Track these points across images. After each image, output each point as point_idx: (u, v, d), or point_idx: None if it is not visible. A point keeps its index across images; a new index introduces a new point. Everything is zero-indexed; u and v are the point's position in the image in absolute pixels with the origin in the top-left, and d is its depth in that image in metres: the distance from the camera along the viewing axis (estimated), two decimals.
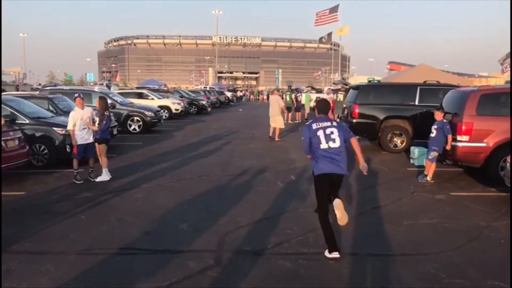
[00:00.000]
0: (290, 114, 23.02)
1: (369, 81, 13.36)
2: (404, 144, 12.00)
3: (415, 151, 10.28)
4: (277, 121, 15.01)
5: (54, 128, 9.94)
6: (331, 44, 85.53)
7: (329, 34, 59.10)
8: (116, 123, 13.24)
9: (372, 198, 7.19)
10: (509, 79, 26.30)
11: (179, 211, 6.38)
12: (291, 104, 23.21)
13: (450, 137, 8.29)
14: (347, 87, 22.25)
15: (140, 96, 23.47)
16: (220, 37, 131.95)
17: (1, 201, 6.43)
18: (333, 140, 4.84)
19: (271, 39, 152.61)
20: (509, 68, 34.69)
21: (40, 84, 45.96)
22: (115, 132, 12.78)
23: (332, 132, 4.87)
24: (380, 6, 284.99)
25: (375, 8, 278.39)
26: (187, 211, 6.38)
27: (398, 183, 8.45)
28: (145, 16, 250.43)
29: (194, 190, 7.71)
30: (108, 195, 7.36)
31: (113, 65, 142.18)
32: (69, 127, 8.43)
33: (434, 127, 8.60)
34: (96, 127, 8.38)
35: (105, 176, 8.52)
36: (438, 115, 8.57)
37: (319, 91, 36.09)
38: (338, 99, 22.45)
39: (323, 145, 4.84)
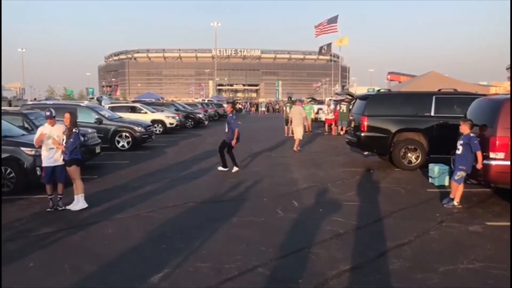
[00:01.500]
0: (291, 127, 21.76)
1: (378, 90, 12.15)
2: (419, 160, 10.73)
3: (435, 169, 9.00)
4: (297, 132, 15.29)
5: (22, 148, 8.64)
6: (330, 55, 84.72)
7: (329, 45, 58.36)
8: (99, 140, 11.97)
9: (392, 231, 5.88)
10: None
11: (152, 255, 5.08)
12: None
13: (479, 154, 7.00)
14: (350, 97, 21.11)
15: (133, 110, 22.38)
16: (219, 50, 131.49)
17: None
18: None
19: (271, 51, 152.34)
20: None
21: (35, 99, 44.88)
22: (97, 150, 11.55)
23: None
24: (379, 17, 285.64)
25: (374, 19, 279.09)
26: (163, 254, 5.08)
27: (420, 209, 7.15)
28: (145, 30, 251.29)
29: (177, 222, 6.43)
30: (73, 230, 6.07)
31: (113, 79, 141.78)
32: (35, 138, 7.27)
33: (459, 142, 7.32)
34: (62, 147, 7.13)
35: (78, 204, 7.25)
36: (464, 128, 7.29)
37: (321, 102, 34.96)
38: (341, 110, 21.30)
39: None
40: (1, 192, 7.59)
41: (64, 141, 7.19)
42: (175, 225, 6.26)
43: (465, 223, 6.23)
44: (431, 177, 9.18)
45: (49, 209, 7.12)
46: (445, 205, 7.24)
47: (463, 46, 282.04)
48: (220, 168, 11.14)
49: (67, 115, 7.39)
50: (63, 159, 7.19)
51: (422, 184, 9.10)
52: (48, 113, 7.31)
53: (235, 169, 10.92)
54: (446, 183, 8.83)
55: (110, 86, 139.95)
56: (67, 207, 7.19)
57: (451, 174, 8.74)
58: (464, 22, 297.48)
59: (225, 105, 43.46)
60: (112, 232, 5.97)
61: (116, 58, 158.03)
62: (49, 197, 7.23)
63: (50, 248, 5.35)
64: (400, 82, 41.65)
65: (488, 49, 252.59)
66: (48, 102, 18.12)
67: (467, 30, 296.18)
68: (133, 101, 32.13)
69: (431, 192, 8.40)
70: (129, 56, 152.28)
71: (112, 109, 20.48)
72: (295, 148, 14.89)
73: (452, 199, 7.26)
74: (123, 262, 4.86)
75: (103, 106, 20.50)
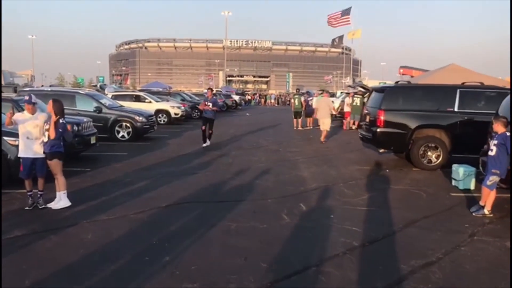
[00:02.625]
0: (300, 120, 20.88)
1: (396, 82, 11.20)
2: (440, 159, 9.80)
3: (460, 170, 8.08)
4: (325, 123, 15.37)
5: (6, 138, 7.89)
6: (342, 48, 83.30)
7: (341, 37, 57.30)
8: (95, 130, 11.22)
9: (416, 246, 5.02)
10: None
11: (132, 270, 4.28)
12: (300, 108, 21.10)
13: None
14: (363, 90, 20.13)
15: (137, 99, 21.64)
16: (230, 41, 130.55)
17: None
18: None
19: (282, 43, 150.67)
20: None
21: (42, 86, 44.43)
22: (93, 140, 10.80)
23: None
24: (393, 9, 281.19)
25: (388, 11, 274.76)
26: (145, 269, 4.28)
27: (446, 218, 6.26)
28: (157, 19, 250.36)
29: (167, 227, 5.62)
30: (47, 233, 5.30)
31: (124, 68, 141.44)
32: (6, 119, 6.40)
33: (493, 142, 6.40)
34: (53, 134, 6.32)
35: (59, 202, 6.48)
36: (498, 126, 6.37)
37: (332, 95, 33.92)
38: (354, 103, 20.36)
39: None
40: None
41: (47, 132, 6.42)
42: (165, 231, 5.46)
43: (500, 237, 5.34)
44: (454, 179, 8.27)
45: (27, 208, 6.37)
46: (474, 214, 6.35)
47: (478, 41, 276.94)
48: (204, 144, 13.33)
49: (50, 102, 6.61)
50: (44, 152, 6.42)
51: (444, 187, 8.19)
52: (26, 98, 6.53)
53: (204, 144, 13.45)
54: (472, 187, 7.95)
55: (121, 75, 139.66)
56: (48, 205, 6.44)
57: (477, 176, 7.92)
58: (479, 18, 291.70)
59: (233, 96, 42.84)
60: (91, 238, 5.18)
61: (127, 47, 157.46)
62: (28, 193, 6.49)
63: (15, 257, 4.57)
64: (412, 76, 40.28)
65: (503, 43, 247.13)
66: (45, 88, 17.39)
67: (483, 25, 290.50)
68: (140, 90, 31.40)
69: (456, 196, 7.49)
70: (140, 45, 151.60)
71: (116, 97, 19.79)
72: (322, 139, 15.17)
73: (482, 207, 6.37)
74: (94, 278, 4.06)
75: (106, 95, 19.82)
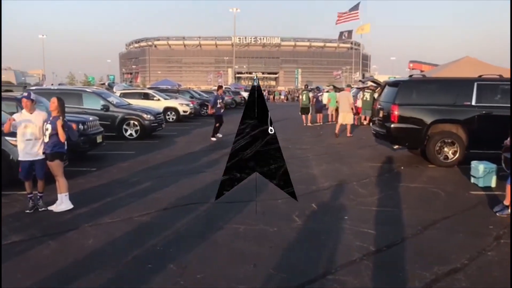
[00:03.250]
0: (309, 116, 20.51)
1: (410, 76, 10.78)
2: (457, 155, 9.39)
3: (480, 167, 7.68)
4: (346, 118, 15.57)
5: (8, 138, 7.68)
6: (351, 43, 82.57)
7: (350, 31, 56.88)
8: (102, 129, 10.99)
9: (438, 250, 4.67)
10: None
11: (133, 279, 4.00)
12: (308, 104, 20.69)
13: None
14: (375, 85, 19.70)
15: (146, 96, 21.45)
16: (239, 38, 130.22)
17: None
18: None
19: (291, 39, 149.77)
20: None
21: (52, 84, 44.54)
22: (99, 139, 10.57)
23: None
24: (402, 4, 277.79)
25: (397, 6, 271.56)
26: (146, 278, 3.99)
27: (468, 219, 5.90)
28: (166, 17, 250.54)
29: (172, 230, 5.33)
30: (46, 239, 5.05)
31: (134, 66, 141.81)
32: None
33: None
34: (63, 137, 6.07)
35: (61, 205, 6.23)
36: None
37: (342, 90, 33.43)
38: (364, 98, 19.91)
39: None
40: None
41: (49, 131, 6.17)
42: (170, 234, 5.18)
43: None
44: (474, 176, 7.87)
45: (28, 211, 6.14)
46: (498, 214, 5.96)
47: (488, 35, 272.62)
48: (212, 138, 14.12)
49: (54, 100, 6.35)
50: (43, 152, 6.16)
51: (463, 185, 7.80)
52: (25, 94, 6.28)
53: (212, 139, 14.07)
54: (493, 185, 7.55)
55: (131, 73, 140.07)
56: (49, 208, 6.20)
57: (498, 173, 7.55)
58: (490, 12, 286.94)
59: (242, 93, 42.56)
60: (93, 243, 4.92)
61: (137, 45, 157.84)
62: (29, 195, 6.26)
63: (9, 266, 4.30)
64: (422, 71, 39.64)
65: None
66: (52, 87, 17.25)
67: (492, 20, 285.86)
68: (149, 88, 31.26)
69: (476, 195, 7.11)
70: (150, 43, 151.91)
71: (124, 95, 19.65)
72: (349, 134, 15.49)
73: (507, 207, 5.98)
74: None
75: (114, 92, 19.66)
